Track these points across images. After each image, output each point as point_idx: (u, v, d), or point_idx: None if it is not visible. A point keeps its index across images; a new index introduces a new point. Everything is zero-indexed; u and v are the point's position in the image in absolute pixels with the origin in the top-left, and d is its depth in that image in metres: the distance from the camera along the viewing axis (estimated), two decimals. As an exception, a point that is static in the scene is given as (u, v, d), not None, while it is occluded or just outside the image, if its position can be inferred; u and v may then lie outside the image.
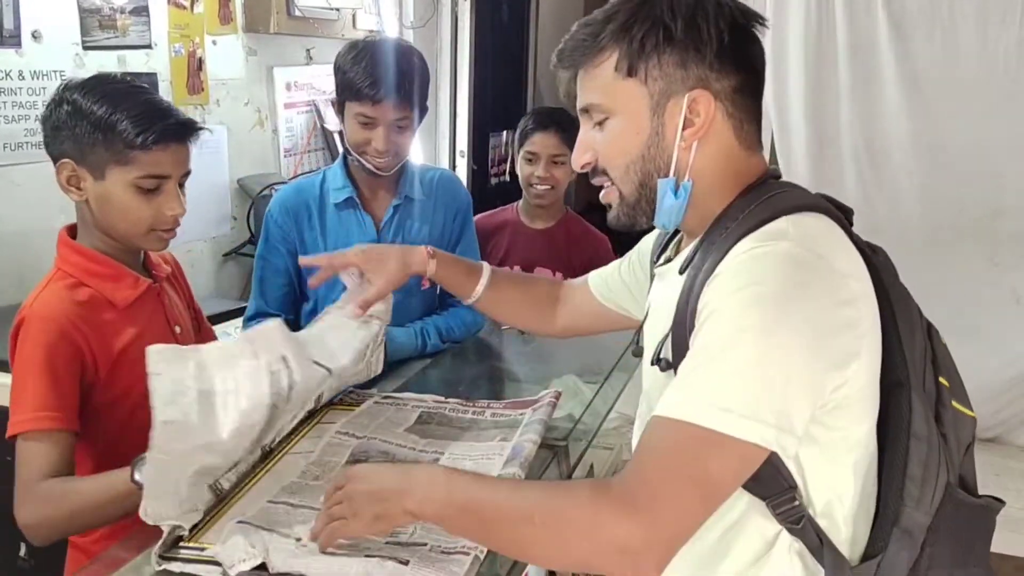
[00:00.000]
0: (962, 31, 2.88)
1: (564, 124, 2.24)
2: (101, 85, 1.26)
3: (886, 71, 2.97)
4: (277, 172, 2.83)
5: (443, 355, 1.87)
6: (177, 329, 1.40)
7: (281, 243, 1.81)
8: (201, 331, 1.53)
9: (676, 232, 1.11)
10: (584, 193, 4.22)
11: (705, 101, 0.94)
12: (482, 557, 1.01)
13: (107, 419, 1.27)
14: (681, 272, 0.97)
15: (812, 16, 3.03)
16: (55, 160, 1.26)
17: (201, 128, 1.32)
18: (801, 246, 0.86)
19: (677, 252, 1.07)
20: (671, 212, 0.97)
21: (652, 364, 0.98)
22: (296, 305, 1.87)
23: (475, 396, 1.50)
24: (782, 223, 0.89)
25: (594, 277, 1.40)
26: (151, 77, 2.31)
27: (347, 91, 1.70)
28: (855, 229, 0.97)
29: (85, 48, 2.14)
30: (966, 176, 2.98)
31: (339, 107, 1.75)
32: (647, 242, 1.27)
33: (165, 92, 2.36)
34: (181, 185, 1.32)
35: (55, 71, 2.09)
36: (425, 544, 1.03)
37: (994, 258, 3.05)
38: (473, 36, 3.70)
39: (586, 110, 1.00)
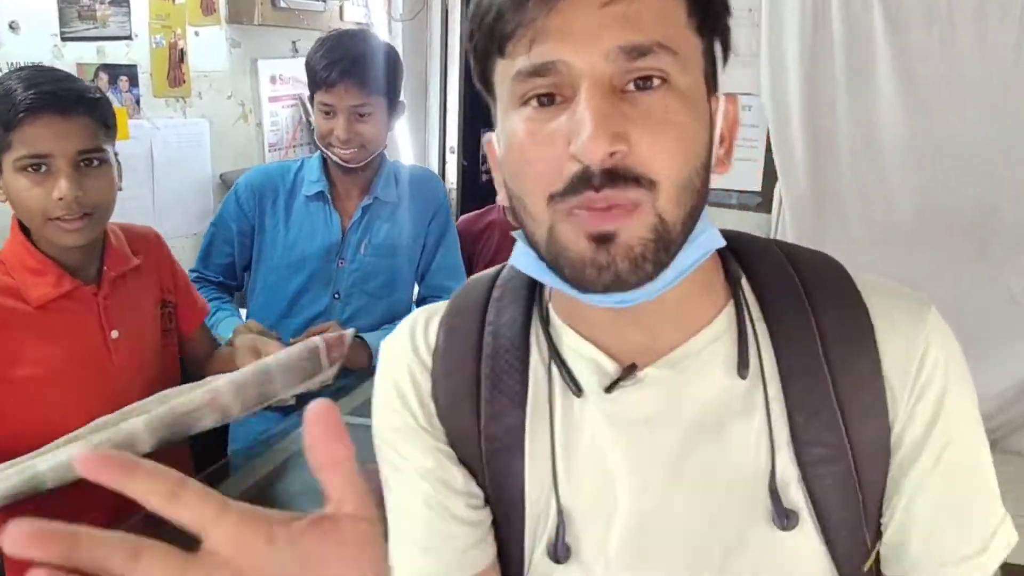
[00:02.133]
0: (960, 28, 2.86)
1: None
2: None
3: (882, 67, 2.95)
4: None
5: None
6: (114, 334, 1.27)
7: (236, 220, 1.80)
8: (182, 313, 1.42)
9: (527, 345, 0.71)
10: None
11: (736, 109, 0.65)
12: None
13: None
14: (743, 375, 0.65)
15: (808, 10, 2.99)
16: None
17: (96, 99, 1.19)
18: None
19: (625, 371, 0.66)
20: (691, 259, 0.61)
21: (771, 523, 0.66)
22: (238, 273, 1.87)
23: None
24: (870, 276, 0.70)
25: None
26: (131, 69, 2.25)
27: (311, 82, 1.70)
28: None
29: (64, 39, 2.08)
30: (963, 172, 2.95)
31: (311, 102, 1.74)
32: (391, 412, 0.74)
33: (145, 84, 2.30)
34: (88, 164, 1.18)
35: (33, 63, 2.02)
36: None
37: (989, 256, 3.02)
38: (464, 29, 3.64)
39: (643, 52, 0.55)
